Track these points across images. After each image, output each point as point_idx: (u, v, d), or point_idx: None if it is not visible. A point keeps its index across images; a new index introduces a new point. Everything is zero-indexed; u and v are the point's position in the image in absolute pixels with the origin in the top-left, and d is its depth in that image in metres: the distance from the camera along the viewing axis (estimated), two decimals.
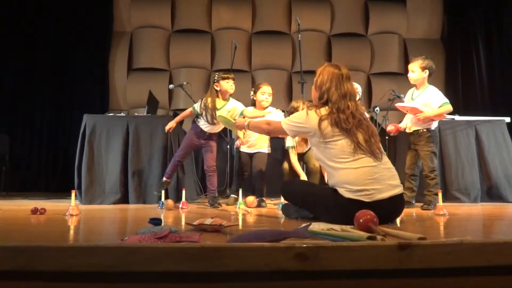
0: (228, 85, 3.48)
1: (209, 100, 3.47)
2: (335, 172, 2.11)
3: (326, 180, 2.40)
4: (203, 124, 3.54)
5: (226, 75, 3.51)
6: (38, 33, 5.95)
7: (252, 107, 3.78)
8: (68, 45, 6.01)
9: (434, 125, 3.38)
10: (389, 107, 4.39)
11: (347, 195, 2.02)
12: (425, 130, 3.33)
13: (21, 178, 5.63)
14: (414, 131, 3.39)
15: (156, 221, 1.84)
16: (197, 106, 3.55)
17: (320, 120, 2.14)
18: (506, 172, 3.93)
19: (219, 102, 3.51)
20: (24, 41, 5.87)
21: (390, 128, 3.54)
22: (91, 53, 6.04)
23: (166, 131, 3.63)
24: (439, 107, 3.29)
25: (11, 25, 5.87)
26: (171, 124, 3.58)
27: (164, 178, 3.56)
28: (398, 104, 3.49)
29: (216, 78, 3.54)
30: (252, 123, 2.59)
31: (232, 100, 3.59)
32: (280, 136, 3.06)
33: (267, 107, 3.70)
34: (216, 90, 3.51)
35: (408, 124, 3.46)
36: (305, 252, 1.16)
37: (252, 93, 3.81)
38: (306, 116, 2.20)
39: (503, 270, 1.20)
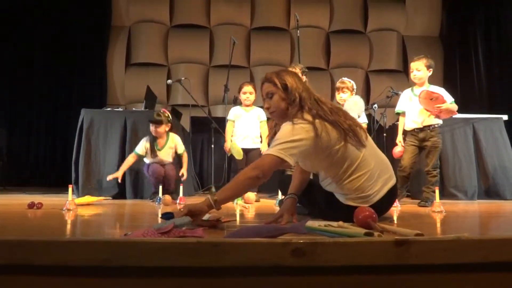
0: (152, 129, 3.61)
1: (148, 144, 3.63)
2: (335, 183, 1.97)
3: None
4: (152, 161, 3.64)
5: (154, 120, 3.58)
6: (36, 27, 5.93)
7: (238, 106, 4.02)
8: (66, 39, 5.99)
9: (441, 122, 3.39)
10: (387, 104, 4.39)
11: (347, 202, 1.94)
12: (437, 125, 3.33)
13: (19, 172, 5.62)
14: (425, 126, 3.34)
15: (168, 216, 1.81)
16: (139, 150, 3.63)
17: (313, 125, 1.85)
18: (504, 170, 3.94)
19: (160, 142, 3.66)
20: (22, 35, 5.85)
21: (399, 150, 3.52)
22: (89, 47, 6.03)
23: (108, 179, 3.53)
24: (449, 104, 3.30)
25: (9, 19, 5.84)
26: (117, 174, 3.52)
27: (154, 189, 3.57)
28: (431, 88, 3.36)
29: (149, 121, 3.64)
30: (223, 193, 1.77)
31: (171, 137, 3.72)
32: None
33: (249, 105, 3.93)
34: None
35: (415, 121, 3.40)
36: (302, 248, 1.16)
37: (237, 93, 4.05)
38: (294, 129, 1.83)
39: (500, 267, 1.20)
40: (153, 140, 3.64)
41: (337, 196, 2.00)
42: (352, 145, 1.89)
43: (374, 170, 1.93)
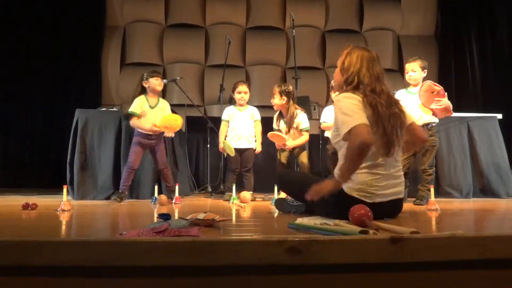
0: (157, 82, 3.60)
1: (143, 98, 3.59)
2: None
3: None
4: (144, 128, 3.55)
5: (155, 73, 3.63)
6: (30, 27, 5.88)
7: (232, 105, 3.99)
8: (60, 39, 5.95)
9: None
10: None
11: (349, 191, 1.94)
12: (434, 124, 3.34)
13: (13, 173, 5.57)
14: (423, 125, 3.32)
15: (165, 217, 1.82)
16: (135, 109, 3.53)
17: (362, 101, 1.93)
18: (498, 168, 3.96)
19: (152, 101, 3.63)
20: (16, 35, 5.80)
21: None
22: (83, 47, 5.99)
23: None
24: None
25: (4, 21, 5.79)
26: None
27: (121, 190, 3.49)
28: (431, 82, 3.32)
29: (145, 76, 3.62)
30: (345, 171, 1.90)
31: (161, 100, 3.72)
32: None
33: (243, 104, 3.91)
34: (145, 88, 3.62)
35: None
36: (298, 246, 1.16)
37: (231, 92, 4.01)
38: (350, 100, 1.93)
39: (494, 264, 1.21)
40: (143, 93, 3.60)
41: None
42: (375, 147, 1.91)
43: (386, 178, 1.97)
